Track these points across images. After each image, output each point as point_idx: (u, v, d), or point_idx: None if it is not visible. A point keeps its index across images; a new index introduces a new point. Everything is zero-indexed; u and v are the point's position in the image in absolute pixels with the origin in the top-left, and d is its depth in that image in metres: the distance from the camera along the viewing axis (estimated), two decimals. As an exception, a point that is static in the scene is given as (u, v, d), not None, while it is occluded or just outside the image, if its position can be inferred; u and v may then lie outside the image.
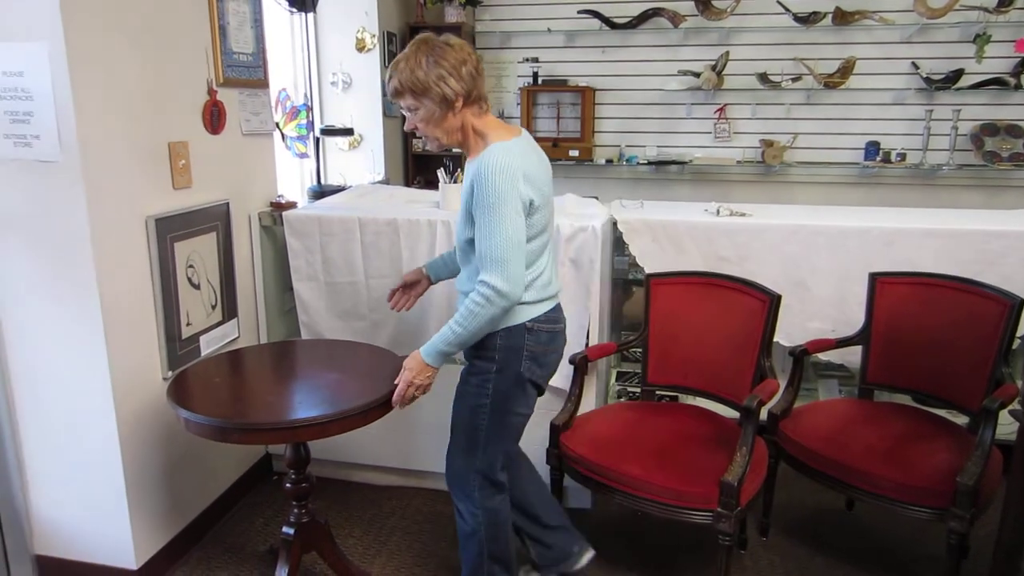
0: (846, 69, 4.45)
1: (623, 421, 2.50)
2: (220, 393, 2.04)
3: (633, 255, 3.05)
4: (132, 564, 2.28)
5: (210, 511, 2.66)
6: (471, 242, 1.88)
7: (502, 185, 1.76)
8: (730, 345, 2.48)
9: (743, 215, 3.06)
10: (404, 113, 1.90)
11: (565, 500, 2.55)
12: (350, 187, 3.52)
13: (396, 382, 1.93)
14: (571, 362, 2.51)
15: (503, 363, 1.94)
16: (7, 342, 2.16)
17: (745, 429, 2.12)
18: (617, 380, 3.59)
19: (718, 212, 3.09)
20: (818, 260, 2.93)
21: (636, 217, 3.02)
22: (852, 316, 2.89)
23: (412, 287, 2.31)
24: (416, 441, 2.75)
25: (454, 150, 2.68)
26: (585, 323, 2.62)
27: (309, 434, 1.89)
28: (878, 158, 4.52)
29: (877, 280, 2.68)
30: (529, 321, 1.94)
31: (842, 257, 2.90)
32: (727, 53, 4.54)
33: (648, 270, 2.92)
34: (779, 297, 2.38)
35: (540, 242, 1.93)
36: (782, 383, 2.45)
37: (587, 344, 2.64)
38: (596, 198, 3.18)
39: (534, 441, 2.72)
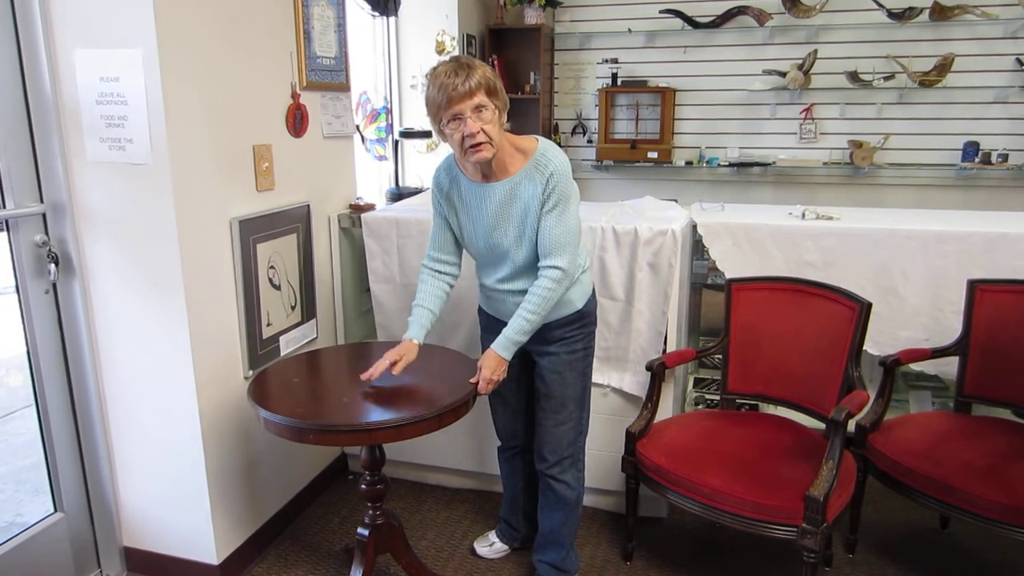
0: (943, 66, 4.23)
1: (702, 430, 2.42)
2: (298, 393, 2.07)
3: (713, 259, 2.96)
4: (213, 559, 2.34)
5: (287, 509, 2.71)
6: (530, 247, 2.03)
7: (570, 176, 2.00)
8: (816, 354, 2.37)
9: (830, 218, 2.93)
10: (471, 117, 1.87)
11: (638, 508, 2.49)
12: (427, 189, 3.54)
13: (474, 380, 2.04)
14: (648, 368, 2.45)
15: (594, 320, 2.22)
16: (98, 338, 2.25)
17: (832, 442, 2.02)
18: (695, 387, 3.50)
19: (803, 215, 2.97)
20: (911, 266, 2.77)
21: (717, 220, 2.93)
22: (947, 325, 2.73)
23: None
24: (490, 445, 2.73)
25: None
26: (663, 329, 2.55)
27: (383, 437, 1.89)
28: (977, 159, 4.27)
29: (977, 287, 2.52)
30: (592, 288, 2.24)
31: (938, 263, 2.74)
32: (815, 52, 4.38)
33: (729, 275, 2.83)
34: (870, 304, 2.26)
35: (579, 220, 2.11)
36: (871, 394, 2.32)
37: (664, 350, 2.57)
38: (675, 201, 3.10)
39: (609, 447, 2.68)
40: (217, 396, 2.30)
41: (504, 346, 2.03)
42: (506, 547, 2.57)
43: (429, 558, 2.55)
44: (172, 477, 2.31)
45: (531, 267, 2.05)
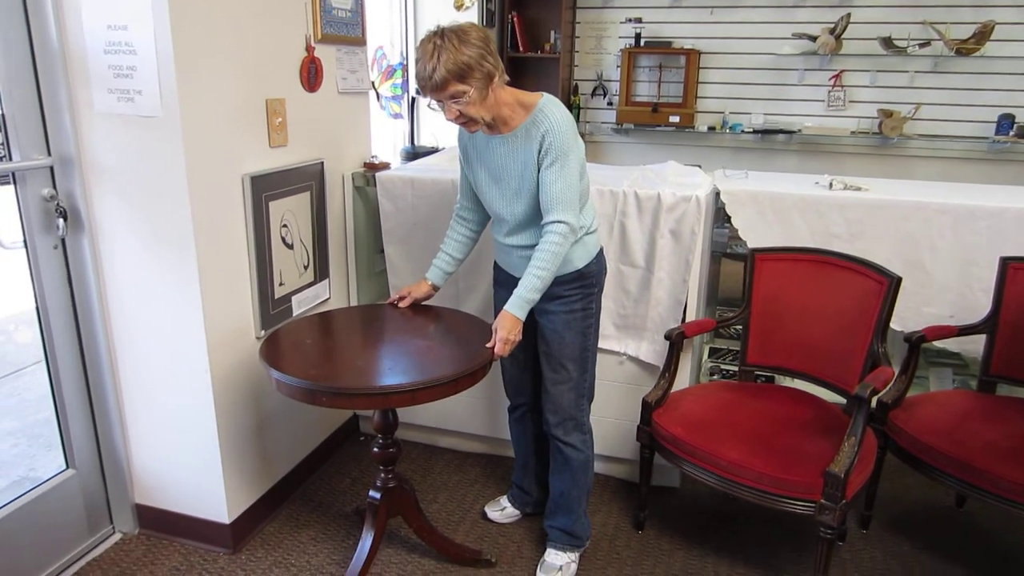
0: (983, 34, 4.07)
1: (719, 401, 2.38)
2: (311, 355, 2.03)
3: (735, 228, 2.89)
4: (224, 518, 2.34)
5: (298, 470, 2.70)
6: (528, 202, 2.00)
7: (570, 132, 1.95)
8: (839, 328, 2.31)
9: (858, 189, 2.85)
10: (448, 104, 1.89)
11: (652, 477, 2.46)
12: (443, 149, 3.47)
13: (490, 345, 1.99)
14: (667, 338, 2.40)
15: (598, 283, 2.16)
16: (108, 295, 2.21)
17: (855, 418, 1.97)
18: (710, 357, 3.45)
19: (831, 185, 2.88)
20: (940, 241, 2.69)
21: (741, 188, 2.85)
22: (974, 302, 2.66)
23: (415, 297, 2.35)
24: (501, 409, 2.70)
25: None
26: (683, 298, 2.49)
27: (398, 401, 1.86)
28: (1011, 132, 4.13)
29: (1009, 265, 2.45)
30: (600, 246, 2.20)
31: (968, 239, 2.66)
32: (848, 15, 4.22)
33: (751, 244, 2.76)
34: (899, 279, 2.19)
35: (586, 180, 2.09)
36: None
37: (684, 320, 2.52)
38: (699, 167, 3.01)
39: (623, 415, 2.65)
40: (229, 356, 2.27)
41: (517, 305, 2.00)
42: (517, 512, 2.56)
43: (440, 522, 2.54)
44: (183, 436, 2.30)
45: (530, 223, 2.04)
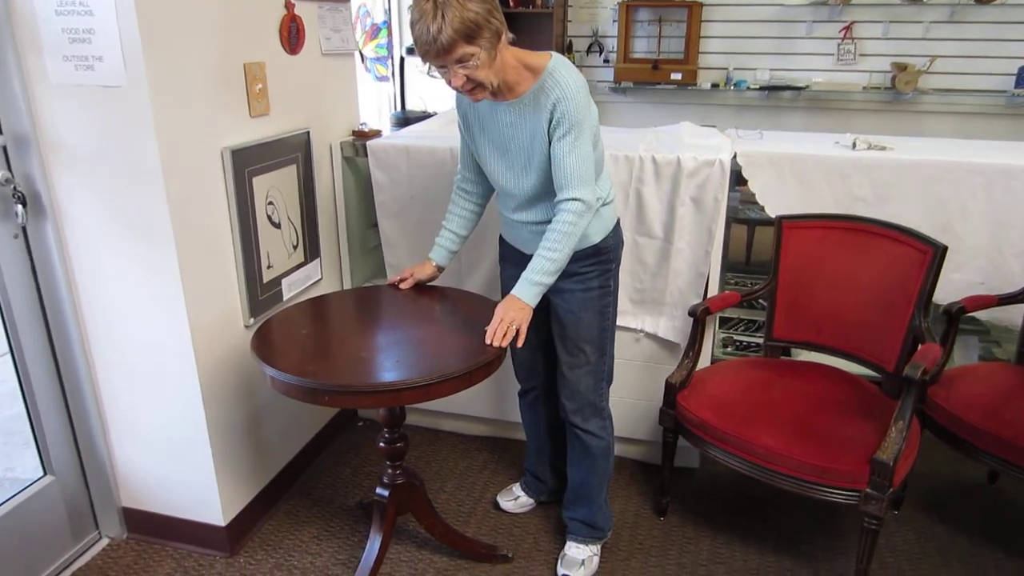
0: (1001, -21, 3.87)
1: (748, 381, 2.23)
2: (308, 348, 1.84)
3: (751, 192, 2.71)
4: (220, 520, 2.17)
5: (295, 462, 2.53)
6: (538, 175, 1.82)
7: (584, 98, 1.75)
8: (876, 301, 2.16)
9: (883, 148, 2.66)
10: (453, 70, 1.66)
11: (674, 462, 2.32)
12: (436, 114, 3.24)
13: (489, 335, 1.77)
14: (691, 314, 2.23)
15: (615, 258, 1.99)
16: (78, 287, 2.00)
17: (904, 401, 1.83)
18: (721, 327, 3.30)
19: (854, 145, 2.69)
20: (972, 203, 2.52)
21: (759, 150, 2.66)
22: (1006, 269, 2.50)
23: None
24: (509, 389, 2.52)
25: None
26: (705, 270, 2.32)
27: (410, 398, 1.68)
28: (1032, 85, 3.96)
29: (1050, 226, 2.29)
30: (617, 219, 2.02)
31: (1002, 201, 2.48)
32: (858, -40, 4.00)
33: (770, 210, 2.58)
34: (944, 248, 2.04)
35: (601, 147, 1.91)
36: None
37: (706, 293, 2.35)
38: (714, 127, 2.82)
39: (640, 395, 2.49)
40: (215, 346, 2.07)
41: (526, 290, 1.79)
42: (532, 501, 2.41)
43: (449, 513, 2.39)
44: (170, 435, 2.11)
45: (542, 197, 1.86)
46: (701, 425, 2.07)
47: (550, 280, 1.81)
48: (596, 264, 1.94)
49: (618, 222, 2.02)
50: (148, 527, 2.25)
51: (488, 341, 1.75)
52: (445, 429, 2.87)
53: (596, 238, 1.92)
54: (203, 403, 2.04)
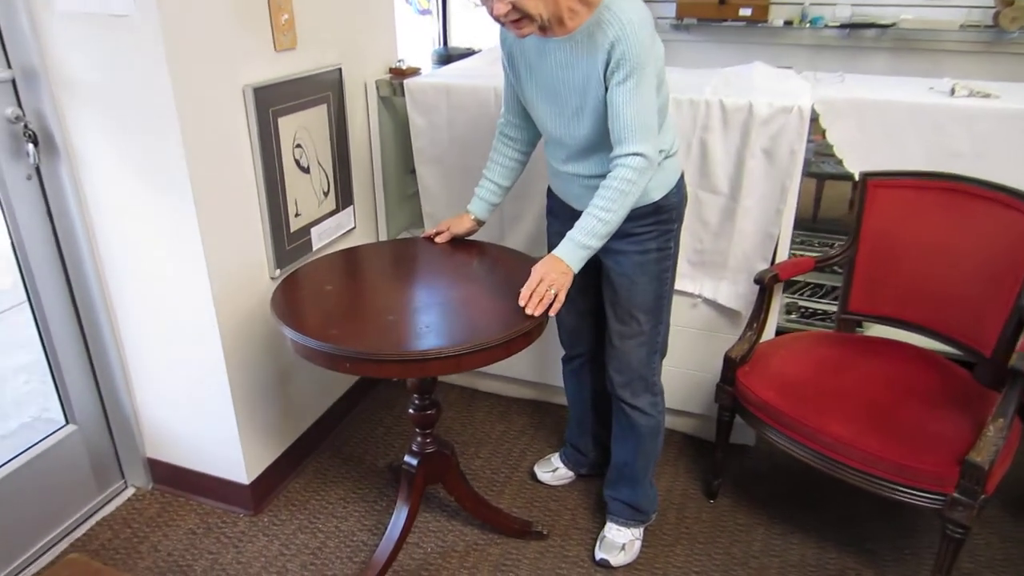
0: None
1: (819, 359, 2.00)
2: (332, 307, 1.69)
3: (830, 144, 2.42)
4: (243, 478, 2.08)
5: (326, 418, 2.42)
6: (593, 123, 1.60)
7: (647, 37, 1.52)
8: (976, 274, 1.89)
9: (987, 96, 2.33)
10: None
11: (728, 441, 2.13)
12: (481, 51, 2.99)
13: (523, 298, 1.57)
14: (758, 281, 2.01)
15: (678, 217, 1.78)
16: (96, 232, 1.88)
17: (1007, 395, 1.58)
18: (784, 291, 3.03)
19: (953, 91, 2.36)
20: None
21: (839, 96, 2.35)
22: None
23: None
24: (552, 351, 2.34)
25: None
26: (775, 232, 2.08)
27: (438, 368, 1.52)
28: None
29: None
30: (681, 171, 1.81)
31: None
32: None
33: (850, 165, 2.29)
34: (1066, 215, 1.75)
35: (666, 91, 1.69)
36: None
37: (774, 258, 2.11)
38: (790, 68, 2.53)
39: (693, 365, 2.29)
40: (239, 299, 1.94)
41: (570, 251, 1.59)
42: (571, 473, 2.26)
43: (483, 481, 2.26)
44: (192, 390, 2.01)
45: (597, 147, 1.65)
46: (762, 406, 1.86)
47: (599, 243, 1.60)
48: (656, 224, 1.73)
49: (682, 176, 1.79)
50: (173, 479, 2.18)
51: (522, 304, 1.56)
52: (483, 390, 2.73)
53: (657, 195, 1.70)
54: (224, 358, 1.92)
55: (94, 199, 1.84)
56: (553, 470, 2.26)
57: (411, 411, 1.87)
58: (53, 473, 1.99)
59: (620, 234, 1.70)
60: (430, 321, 1.61)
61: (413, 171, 2.46)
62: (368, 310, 1.69)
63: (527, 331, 1.57)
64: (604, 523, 2.05)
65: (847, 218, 3.53)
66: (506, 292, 1.69)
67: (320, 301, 1.72)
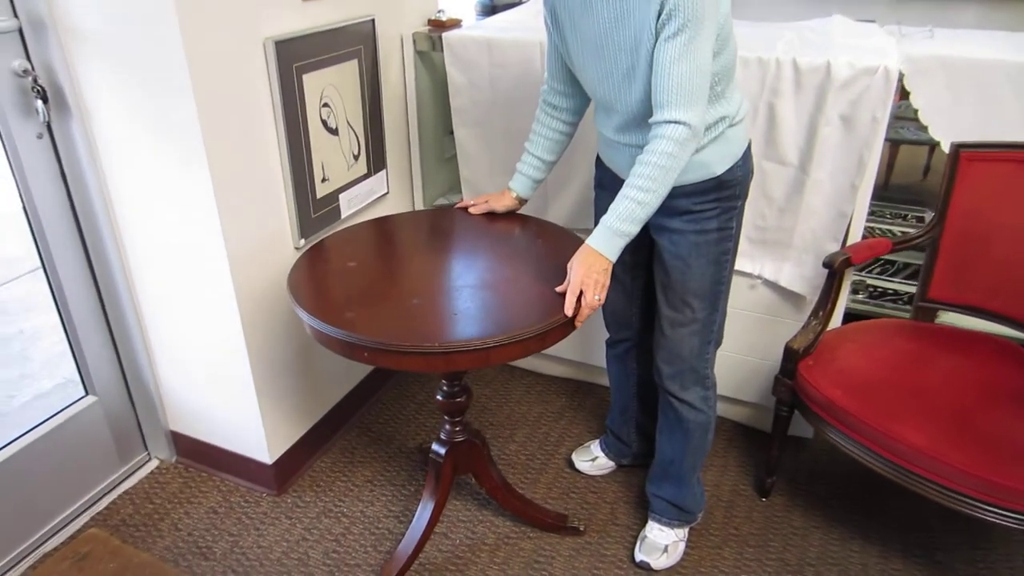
0: None
1: (892, 354, 1.79)
2: (353, 286, 1.55)
3: (914, 109, 2.16)
4: (265, 458, 1.99)
5: (354, 394, 2.31)
6: (647, 83, 1.39)
7: None
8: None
9: (1103, 52, 2.04)
10: None
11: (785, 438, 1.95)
12: (527, 1, 2.76)
13: (561, 289, 1.43)
14: (827, 265, 1.80)
15: (742, 193, 1.58)
16: (112, 195, 1.77)
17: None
18: (853, 267, 2.80)
19: (1062, 48, 2.08)
20: None
21: (927, 53, 2.09)
22: None
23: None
24: (596, 332, 2.17)
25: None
26: (848, 210, 1.85)
27: (464, 362, 1.37)
28: None
29: None
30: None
31: None
32: None
33: (936, 132, 2.04)
34: None
35: (733, 47, 1.47)
36: None
37: (845, 239, 1.89)
38: (873, 22, 2.25)
39: (747, 350, 2.11)
40: (259, 271, 1.82)
41: (605, 240, 1.41)
42: (612, 464, 2.11)
43: (517, 468, 2.13)
44: (212, 366, 1.91)
45: (650, 115, 1.42)
46: (827, 405, 1.68)
47: (636, 228, 1.42)
48: (717, 201, 1.53)
49: (749, 147, 1.58)
50: (197, 453, 2.11)
51: (568, 315, 1.40)
52: (520, 366, 2.58)
53: (719, 168, 1.51)
54: (244, 333, 1.81)
55: (108, 160, 1.72)
56: (592, 459, 2.11)
57: (439, 398, 1.73)
58: (73, 445, 1.93)
59: (676, 211, 1.51)
60: (459, 306, 1.46)
61: (451, 132, 2.29)
62: (392, 291, 1.54)
63: (564, 322, 1.41)
64: (645, 521, 1.90)
65: (922, 186, 3.25)
66: (545, 273, 1.53)
67: (341, 279, 1.58)
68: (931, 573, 1.80)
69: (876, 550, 1.86)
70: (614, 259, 1.44)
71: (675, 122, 1.35)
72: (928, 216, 2.99)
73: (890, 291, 2.56)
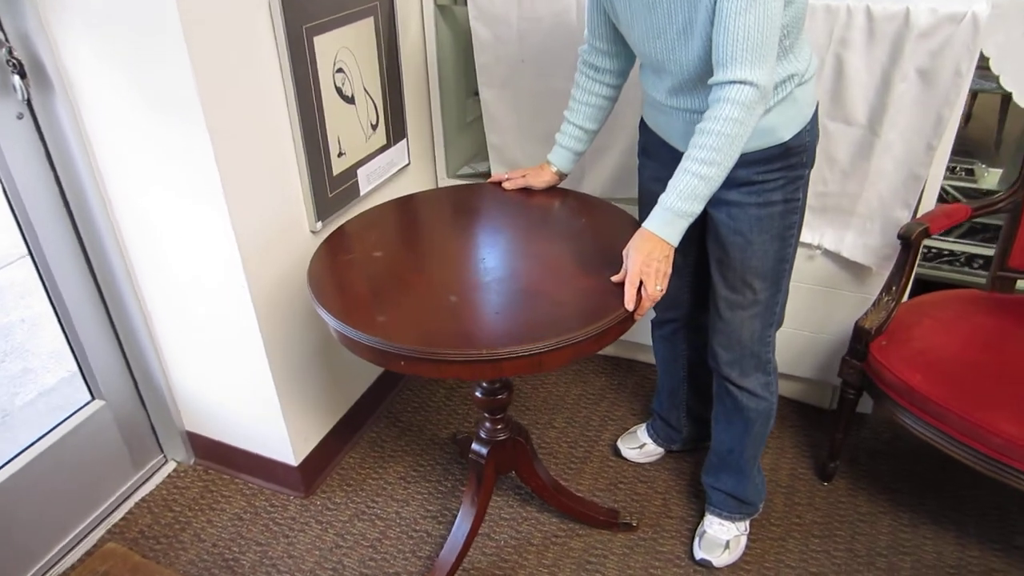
0: None
1: (974, 331, 1.63)
2: (381, 283, 1.37)
3: (986, 57, 1.95)
4: (291, 460, 1.85)
5: (379, 383, 2.16)
6: (705, 42, 1.21)
7: None
8: None
9: None
10: None
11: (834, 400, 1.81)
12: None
13: (617, 279, 1.28)
14: (903, 236, 1.62)
15: (809, 160, 1.40)
16: (104, 177, 1.59)
17: None
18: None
19: None
20: None
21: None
22: None
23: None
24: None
25: None
26: (923, 173, 1.67)
27: (513, 369, 1.21)
28: None
29: None
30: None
31: None
32: None
33: (1009, 84, 1.84)
34: None
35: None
36: None
37: (918, 207, 1.71)
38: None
39: (805, 325, 1.95)
40: (272, 258, 1.65)
41: (666, 223, 1.24)
42: (660, 450, 1.98)
43: (560, 458, 2.00)
44: (226, 363, 1.76)
45: (707, 77, 1.24)
46: (905, 391, 1.52)
47: (700, 207, 1.24)
48: (784, 170, 1.35)
49: (817, 109, 1.39)
50: (216, 455, 1.97)
51: (629, 309, 1.24)
52: (554, 342, 2.43)
53: (787, 133, 1.33)
54: (259, 326, 1.65)
55: (98, 141, 1.53)
56: (640, 446, 1.98)
57: (478, 394, 1.58)
58: (82, 455, 1.79)
59: (736, 181, 1.34)
60: (502, 303, 1.29)
61: (475, 94, 2.09)
62: (425, 286, 1.36)
63: (623, 318, 1.25)
64: (701, 513, 1.77)
65: (964, 134, 3.03)
66: (595, 259, 1.37)
67: (367, 272, 1.41)
68: (1012, 560, 1.68)
69: (951, 537, 1.74)
70: (676, 243, 1.27)
71: (741, 82, 1.16)
72: (978, 168, 2.80)
73: (963, 255, 2.37)
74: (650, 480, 1.92)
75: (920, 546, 1.72)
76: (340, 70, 1.70)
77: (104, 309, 1.76)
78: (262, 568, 1.70)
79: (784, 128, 1.32)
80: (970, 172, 2.82)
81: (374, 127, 1.88)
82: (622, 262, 1.28)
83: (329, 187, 1.75)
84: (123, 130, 1.49)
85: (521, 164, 2.03)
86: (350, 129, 1.78)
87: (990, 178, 2.78)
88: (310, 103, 1.62)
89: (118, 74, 1.41)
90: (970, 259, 2.35)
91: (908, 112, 1.62)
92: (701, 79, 1.27)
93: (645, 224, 1.27)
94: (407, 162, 2.04)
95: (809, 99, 1.36)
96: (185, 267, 1.64)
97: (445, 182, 2.21)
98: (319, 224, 1.73)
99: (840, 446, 1.83)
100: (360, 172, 1.85)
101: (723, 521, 1.72)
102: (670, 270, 1.27)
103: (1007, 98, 2.94)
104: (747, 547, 1.72)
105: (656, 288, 1.24)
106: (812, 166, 1.43)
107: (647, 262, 1.24)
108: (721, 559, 1.68)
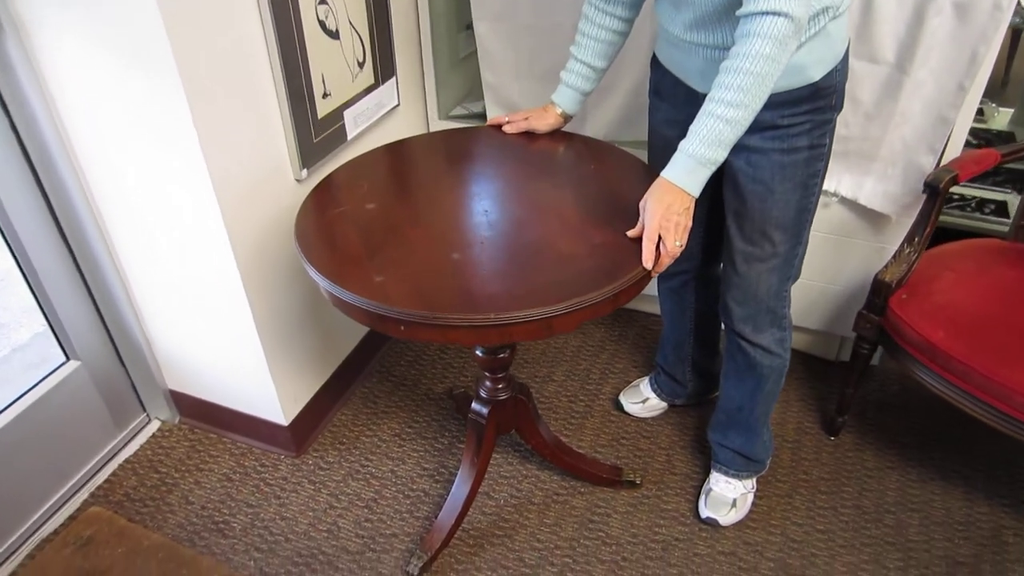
0: None
1: (998, 284, 1.56)
2: (377, 239, 1.26)
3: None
4: (281, 419, 1.77)
5: (371, 336, 2.07)
6: None
7: None
8: None
9: None
10: None
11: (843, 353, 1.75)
12: None
13: (633, 234, 1.18)
14: (930, 184, 1.53)
15: (839, 102, 1.29)
16: (67, 124, 1.45)
17: None
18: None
19: None
20: None
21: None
22: None
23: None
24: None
25: None
26: (951, 116, 1.56)
27: (523, 333, 1.12)
28: None
29: None
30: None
31: None
32: None
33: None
34: None
35: None
36: None
37: (943, 152, 1.61)
38: None
39: (816, 275, 1.88)
40: (255, 207, 1.53)
41: (688, 171, 1.14)
42: (664, 404, 1.92)
43: (560, 413, 1.93)
44: (209, 319, 1.66)
45: (734, 8, 1.11)
46: (927, 348, 1.46)
47: (724, 154, 1.14)
48: (811, 113, 1.24)
49: (848, 47, 1.28)
50: (202, 414, 1.89)
51: (648, 268, 1.14)
52: (551, 291, 2.34)
53: (817, 72, 1.21)
54: (242, 280, 1.54)
55: (56, 82, 1.39)
56: (643, 400, 1.92)
57: (479, 353, 1.50)
58: (60, 416, 1.70)
59: (758, 125, 1.23)
60: (508, 261, 1.19)
61: (469, 27, 1.94)
62: (424, 242, 1.25)
63: (639, 279, 1.16)
64: (707, 470, 1.73)
65: (1003, 78, 2.91)
66: (606, 211, 1.27)
67: (360, 227, 1.30)
68: (1019, 517, 1.65)
69: (960, 493, 1.71)
70: (697, 194, 1.17)
71: (775, 13, 1.03)
72: (987, 107, 2.69)
73: (955, 196, 2.29)
74: (653, 436, 1.87)
75: (928, 503, 1.69)
76: (323, 1, 1.55)
77: (75, 266, 1.64)
78: (254, 531, 1.64)
79: (815, 67, 1.21)
80: (979, 112, 2.71)
81: (361, 65, 1.73)
82: (636, 213, 1.19)
83: (314, 131, 1.62)
84: (83, 69, 1.34)
85: (518, 104, 1.90)
86: (335, 67, 1.64)
87: (1000, 118, 2.69)
88: (291, 38, 1.47)
89: (74, 8, 1.26)
90: (981, 204, 2.27)
91: (940, 49, 1.51)
92: (727, 10, 1.15)
93: (664, 173, 1.17)
94: (396, 103, 1.90)
95: (842, 35, 1.24)
96: (159, 218, 1.52)
97: (437, 124, 2.08)
98: (304, 172, 1.61)
99: (850, 401, 1.78)
100: (347, 114, 1.72)
101: (730, 479, 1.67)
102: (691, 224, 1.17)
103: (1016, 33, 2.82)
104: (753, 504, 1.68)
105: (676, 244, 1.15)
106: (841, 109, 1.32)
107: (667, 215, 1.14)
108: (727, 517, 1.64)
